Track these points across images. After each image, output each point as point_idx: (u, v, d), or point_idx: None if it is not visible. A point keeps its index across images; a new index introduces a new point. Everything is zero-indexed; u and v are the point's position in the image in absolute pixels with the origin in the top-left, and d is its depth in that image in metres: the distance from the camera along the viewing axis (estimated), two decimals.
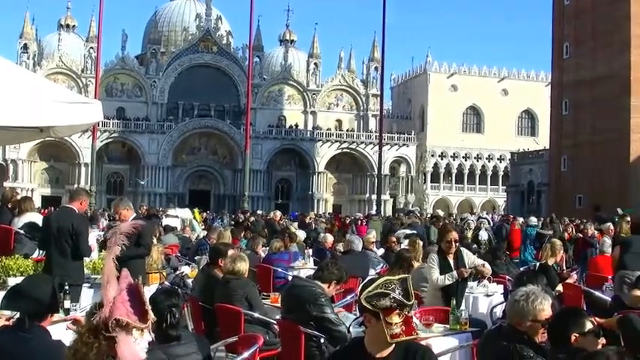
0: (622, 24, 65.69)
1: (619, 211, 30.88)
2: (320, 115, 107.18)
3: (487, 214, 42.76)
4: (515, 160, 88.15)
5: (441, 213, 38.54)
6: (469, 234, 25.62)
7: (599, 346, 5.08)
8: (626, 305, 10.52)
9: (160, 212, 35.27)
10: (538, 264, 12.55)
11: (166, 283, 12.00)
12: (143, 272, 10.51)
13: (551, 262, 12.93)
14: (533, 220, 27.81)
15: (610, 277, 14.92)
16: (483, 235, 25.14)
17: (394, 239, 18.80)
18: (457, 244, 10.44)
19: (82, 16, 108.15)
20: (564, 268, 15.06)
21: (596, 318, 5.89)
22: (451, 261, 10.30)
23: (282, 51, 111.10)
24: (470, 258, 10.73)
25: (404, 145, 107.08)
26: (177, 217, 27.89)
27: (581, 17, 69.76)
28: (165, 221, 23.70)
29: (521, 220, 29.81)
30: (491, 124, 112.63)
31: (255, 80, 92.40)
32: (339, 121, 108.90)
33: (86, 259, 10.77)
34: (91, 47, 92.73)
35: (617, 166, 64.30)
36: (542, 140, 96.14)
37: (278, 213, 34.87)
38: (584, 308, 12.00)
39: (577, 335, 5.14)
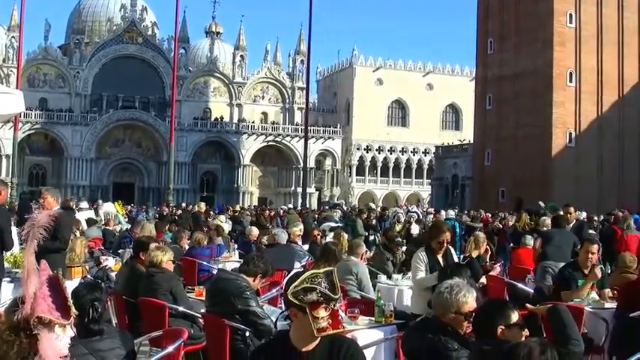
0: (545, 21, 66.66)
1: (541, 204, 31.31)
2: (246, 108, 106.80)
3: (417, 207, 42.88)
4: (440, 154, 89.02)
5: (373, 206, 38.54)
6: (397, 227, 25.69)
7: (523, 338, 5.13)
8: (546, 296, 10.70)
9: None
10: (462, 257, 12.65)
11: (89, 276, 11.84)
12: (62, 266, 10.31)
13: (475, 254, 13.06)
14: (451, 213, 28.15)
15: (532, 269, 15.17)
16: (415, 229, 25.25)
17: (318, 232, 18.82)
18: (447, 244, 10.13)
19: (4, 4, 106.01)
20: (487, 260, 15.18)
21: (529, 305, 5.97)
22: (440, 260, 10.18)
23: (208, 43, 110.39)
24: (455, 257, 10.55)
25: (329, 138, 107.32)
26: (90, 209, 27.67)
27: (506, 14, 70.61)
28: (78, 215, 23.27)
29: (452, 213, 30.13)
30: (417, 118, 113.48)
31: (180, 72, 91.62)
32: (265, 114, 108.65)
33: (6, 253, 10.55)
34: (13, 37, 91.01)
35: (540, 160, 65.26)
36: (466, 134, 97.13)
37: (203, 205, 34.65)
38: (507, 300, 12.18)
39: (503, 327, 5.17)
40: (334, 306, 4.67)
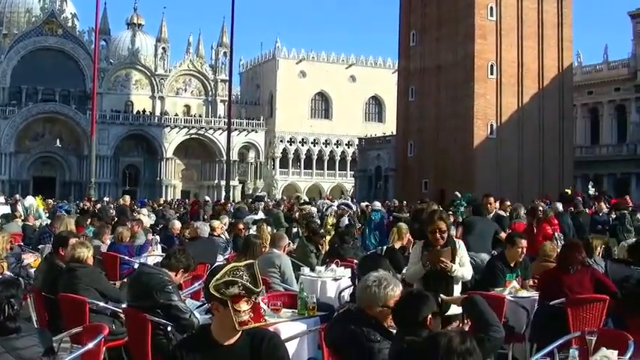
0: (467, 14, 67.20)
1: (457, 194, 31.66)
2: (168, 101, 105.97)
3: (349, 199, 42.75)
4: (363, 146, 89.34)
5: (307, 199, 38.51)
6: (330, 220, 25.66)
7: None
8: (468, 287, 10.78)
9: None
10: (385, 248, 12.69)
11: (7, 273, 11.61)
12: None
13: (397, 245, 13.12)
14: (377, 204, 28.18)
15: None
16: (344, 221, 25.23)
17: (241, 225, 18.75)
18: (445, 234, 8.65)
19: None
20: (409, 251, 15.25)
21: (444, 296, 5.99)
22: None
23: (130, 35, 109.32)
24: (464, 254, 8.93)
25: (253, 130, 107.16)
26: (6, 204, 27.25)
27: (428, 6, 71.00)
28: None
29: (377, 204, 30.18)
30: (340, 110, 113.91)
31: (101, 64, 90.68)
32: (188, 107, 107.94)
33: None
34: None
35: (462, 152, 65.92)
36: (389, 126, 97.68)
37: (127, 198, 34.38)
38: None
39: (430, 317, 5.21)
40: (255, 299, 4.67)
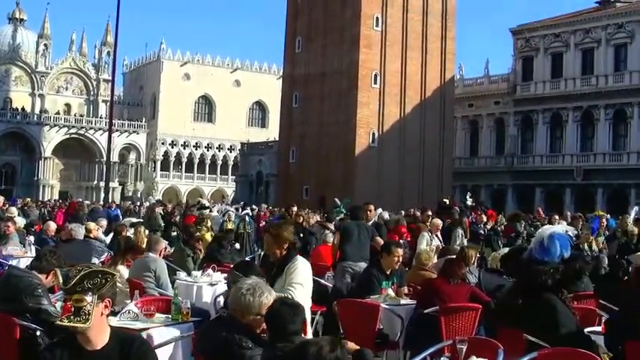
0: (353, 23, 67.78)
1: (337, 201, 31.89)
2: (48, 99, 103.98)
3: (228, 204, 42.10)
4: (245, 151, 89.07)
5: (205, 202, 37.88)
6: (229, 225, 25.47)
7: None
8: (344, 294, 10.85)
9: None
10: (262, 254, 12.65)
11: None
12: None
13: None
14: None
15: (330, 265, 15.32)
16: (231, 225, 25.02)
17: (125, 227, 18.50)
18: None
19: None
20: None
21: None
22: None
23: (11, 30, 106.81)
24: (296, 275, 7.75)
25: (134, 132, 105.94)
26: None
27: (315, 13, 71.36)
28: None
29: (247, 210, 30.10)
30: (223, 114, 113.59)
31: None
32: (69, 106, 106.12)
33: None
34: None
35: (343, 159, 66.43)
36: (272, 132, 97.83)
37: (1, 198, 33.45)
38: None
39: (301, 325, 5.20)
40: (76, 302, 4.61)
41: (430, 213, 22.01)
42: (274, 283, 7.30)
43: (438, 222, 19.18)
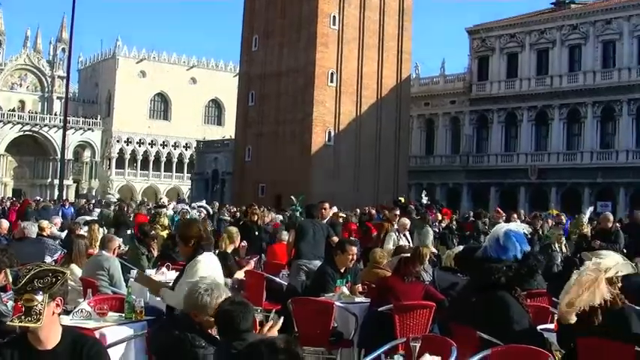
0: (310, 21, 67.78)
1: (293, 199, 31.91)
2: (2, 95, 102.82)
3: (204, 202, 41.62)
4: (201, 149, 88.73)
5: (165, 201, 37.55)
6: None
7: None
8: (298, 292, 10.85)
9: None
10: (217, 252, 12.61)
11: None
12: None
13: (230, 249, 13.10)
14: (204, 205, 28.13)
15: (285, 263, 15.33)
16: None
17: (79, 225, 18.37)
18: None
19: None
20: (243, 256, 15.25)
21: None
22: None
23: None
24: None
25: (89, 129, 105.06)
26: None
27: (272, 12, 71.18)
28: None
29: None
30: (179, 112, 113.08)
31: None
32: (22, 102, 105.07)
33: None
34: None
35: (299, 158, 66.35)
36: (228, 130, 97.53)
37: None
38: (265, 294, 12.29)
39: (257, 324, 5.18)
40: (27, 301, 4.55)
41: (398, 212, 21.89)
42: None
43: (406, 221, 19.12)
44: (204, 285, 5.78)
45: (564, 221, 25.51)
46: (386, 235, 18.63)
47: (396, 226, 19.21)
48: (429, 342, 6.99)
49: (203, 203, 35.49)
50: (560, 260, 13.70)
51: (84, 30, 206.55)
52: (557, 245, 17.56)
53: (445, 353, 6.63)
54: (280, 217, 29.37)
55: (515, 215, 26.34)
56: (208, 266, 7.46)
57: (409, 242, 18.00)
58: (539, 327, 8.10)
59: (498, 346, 7.01)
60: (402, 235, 18.29)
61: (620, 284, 6.68)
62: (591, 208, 32.59)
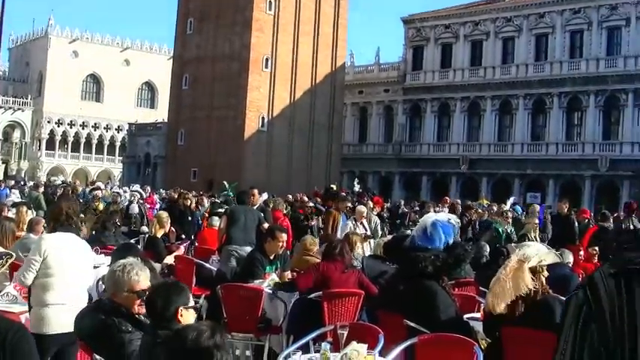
0: (245, 6, 67.49)
1: (225, 184, 31.81)
2: None
3: (138, 187, 41.04)
4: (133, 132, 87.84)
5: (99, 184, 37.01)
6: (115, 208, 24.91)
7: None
8: (228, 279, 10.83)
9: None
10: (147, 237, 12.54)
11: None
12: None
13: (160, 234, 13.02)
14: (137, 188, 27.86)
15: (216, 249, 15.31)
16: (134, 209, 24.46)
17: (6, 207, 18.03)
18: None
19: None
20: (173, 241, 15.15)
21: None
22: None
23: None
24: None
25: (19, 109, 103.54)
26: None
27: None
28: None
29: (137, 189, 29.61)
30: (112, 94, 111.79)
31: None
32: None
33: None
34: None
35: (233, 142, 66.12)
36: (161, 113, 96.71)
37: None
38: (195, 280, 12.24)
39: (182, 309, 5.12)
40: None
41: (349, 203, 21.49)
42: None
43: (362, 209, 18.60)
44: (119, 263, 5.77)
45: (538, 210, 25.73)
46: (334, 225, 18.14)
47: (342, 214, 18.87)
48: (357, 330, 7.04)
49: (137, 187, 35.07)
50: (488, 251, 13.82)
51: (15, 6, 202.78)
52: (532, 234, 17.70)
53: (372, 341, 6.66)
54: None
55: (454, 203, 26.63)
56: (48, 245, 7.51)
57: (367, 230, 17.48)
58: (466, 316, 8.19)
59: (425, 334, 7.07)
60: (358, 224, 17.53)
61: (545, 274, 6.77)
62: (513, 198, 33.12)
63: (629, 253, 2.67)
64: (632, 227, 18.88)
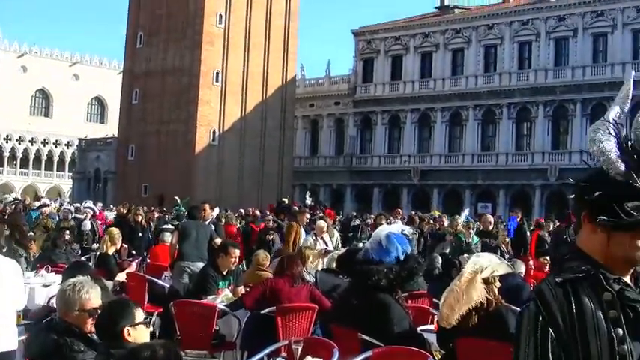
0: (195, 19, 67.37)
1: (177, 200, 31.65)
2: None
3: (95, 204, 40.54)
4: (83, 147, 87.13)
5: (46, 201, 36.53)
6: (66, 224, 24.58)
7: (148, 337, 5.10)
8: (181, 295, 10.77)
9: None
10: (98, 254, 12.43)
11: None
12: None
13: (111, 251, 12.90)
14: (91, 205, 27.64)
15: (168, 265, 15.20)
16: (87, 226, 24.17)
17: None
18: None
19: None
20: (125, 257, 15.02)
21: None
22: None
23: None
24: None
25: None
26: None
27: (158, 8, 70.45)
28: None
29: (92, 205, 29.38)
30: (61, 109, 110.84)
31: None
32: None
33: None
34: None
35: (183, 157, 65.85)
36: (111, 128, 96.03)
37: None
38: (147, 297, 12.15)
39: (128, 328, 5.05)
40: None
41: (308, 216, 21.38)
42: None
43: (322, 224, 18.17)
44: (70, 282, 5.71)
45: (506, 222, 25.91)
46: (296, 239, 17.84)
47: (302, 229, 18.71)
48: (311, 344, 7.03)
49: (90, 204, 34.77)
50: (440, 263, 13.87)
51: None
52: (503, 247, 17.74)
53: (327, 355, 6.65)
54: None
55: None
56: None
57: (327, 245, 17.00)
58: (419, 328, 8.22)
59: (379, 347, 7.08)
60: (319, 239, 16.79)
61: (497, 284, 6.81)
62: (467, 210, 33.26)
63: (569, 263, 2.74)
64: (569, 239, 19.05)
